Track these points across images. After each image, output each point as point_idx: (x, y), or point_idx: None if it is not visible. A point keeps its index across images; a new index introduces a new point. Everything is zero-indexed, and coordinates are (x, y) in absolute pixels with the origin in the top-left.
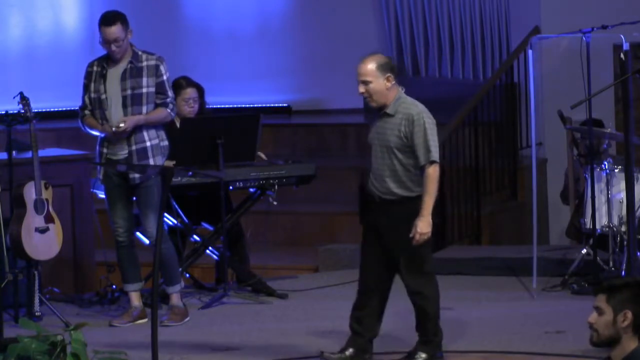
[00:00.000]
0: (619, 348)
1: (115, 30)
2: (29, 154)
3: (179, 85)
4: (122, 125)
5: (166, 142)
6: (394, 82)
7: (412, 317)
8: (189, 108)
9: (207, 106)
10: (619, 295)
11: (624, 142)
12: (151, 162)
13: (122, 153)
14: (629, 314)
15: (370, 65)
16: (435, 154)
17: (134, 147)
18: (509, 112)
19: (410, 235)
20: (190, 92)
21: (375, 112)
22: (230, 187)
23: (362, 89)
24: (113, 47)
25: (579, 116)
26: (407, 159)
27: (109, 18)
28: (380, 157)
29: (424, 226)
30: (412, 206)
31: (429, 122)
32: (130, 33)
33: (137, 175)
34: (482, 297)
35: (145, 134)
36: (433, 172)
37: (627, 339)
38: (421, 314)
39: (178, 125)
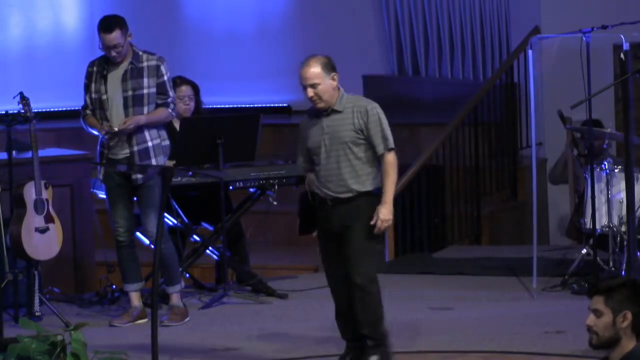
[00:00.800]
0: (617, 348)
1: (114, 36)
2: (29, 154)
3: (173, 83)
4: (122, 126)
5: (167, 142)
6: (337, 80)
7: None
8: (185, 106)
9: (205, 106)
10: (616, 296)
11: (624, 142)
12: (153, 162)
13: (123, 153)
14: (629, 315)
15: (315, 68)
16: (392, 142)
17: (135, 148)
18: (509, 112)
19: (372, 222)
20: (185, 90)
21: (312, 113)
22: (230, 187)
23: (311, 92)
24: (113, 53)
25: (579, 116)
26: (363, 152)
27: (107, 24)
28: (335, 155)
29: (386, 212)
30: (367, 200)
31: (381, 112)
32: (129, 36)
33: (139, 176)
34: (482, 297)
35: (146, 134)
36: (392, 159)
37: (626, 339)
38: (368, 312)
39: (176, 125)
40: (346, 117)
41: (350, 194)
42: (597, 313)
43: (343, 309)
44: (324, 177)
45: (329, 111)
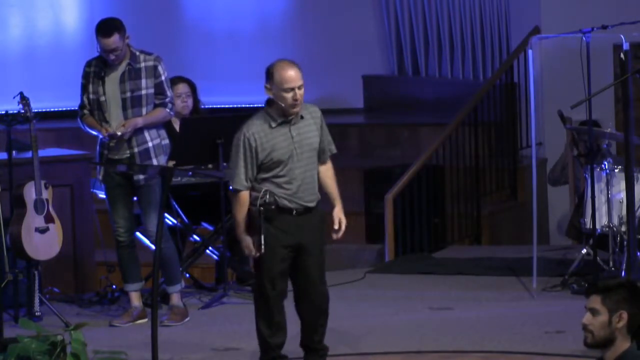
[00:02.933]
0: (612, 348)
1: (113, 40)
2: (29, 154)
3: (170, 82)
4: (122, 129)
5: (167, 141)
6: None
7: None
8: (182, 103)
9: (203, 106)
10: (614, 295)
11: (624, 142)
12: (154, 162)
13: (124, 154)
14: (625, 315)
15: (299, 71)
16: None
17: (136, 149)
18: (509, 112)
19: (337, 227)
20: (182, 88)
21: (276, 123)
22: (230, 187)
23: (298, 95)
24: (112, 57)
25: (579, 116)
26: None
27: (106, 28)
28: (305, 164)
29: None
30: (320, 209)
31: None
32: (127, 38)
33: (141, 177)
34: (482, 297)
35: (146, 134)
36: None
37: (620, 339)
38: (322, 324)
39: (176, 125)
40: (309, 123)
41: (313, 203)
42: (594, 312)
43: (283, 324)
44: (297, 187)
45: (296, 118)
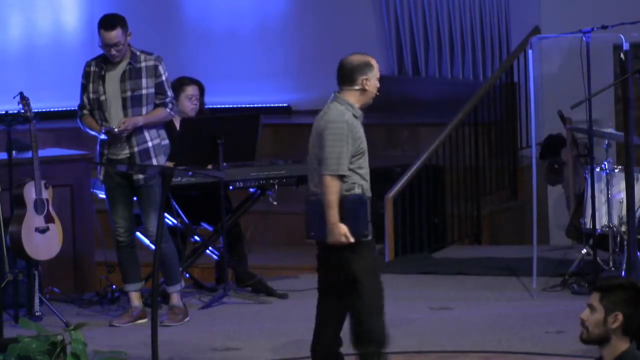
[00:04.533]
0: (608, 348)
1: (115, 34)
2: (29, 154)
3: (181, 82)
4: (121, 127)
5: (167, 141)
6: None
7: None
8: (192, 105)
9: (205, 106)
10: (612, 296)
11: (624, 142)
12: (154, 162)
13: (123, 153)
14: (620, 316)
15: None
16: None
17: (136, 149)
18: (509, 112)
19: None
20: (192, 90)
21: (357, 113)
22: (230, 187)
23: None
24: (113, 51)
25: (579, 116)
26: None
27: (108, 22)
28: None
29: None
30: None
31: None
32: (129, 35)
33: (141, 177)
34: (482, 297)
35: (146, 134)
36: None
37: (616, 339)
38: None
39: (177, 125)
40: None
41: None
42: (592, 309)
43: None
44: (367, 181)
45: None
